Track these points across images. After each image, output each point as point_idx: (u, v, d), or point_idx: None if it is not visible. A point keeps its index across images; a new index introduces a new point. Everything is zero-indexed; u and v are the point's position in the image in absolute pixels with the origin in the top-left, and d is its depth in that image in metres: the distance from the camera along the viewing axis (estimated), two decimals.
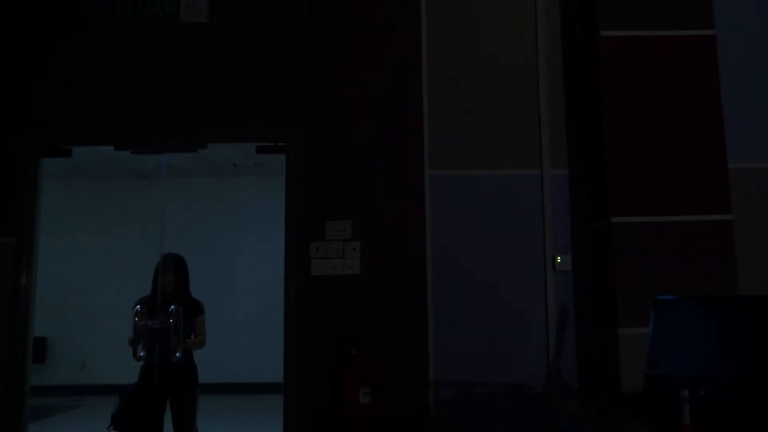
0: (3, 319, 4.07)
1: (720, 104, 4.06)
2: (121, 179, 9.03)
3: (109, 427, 3.84)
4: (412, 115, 4.40)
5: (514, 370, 4.20)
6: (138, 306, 4.05)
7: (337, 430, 4.06)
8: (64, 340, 8.73)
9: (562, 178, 4.40)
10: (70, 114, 4.34)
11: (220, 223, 8.98)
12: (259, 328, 8.51)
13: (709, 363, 2.24)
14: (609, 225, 3.99)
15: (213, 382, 9.25)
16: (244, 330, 8.61)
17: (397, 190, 4.33)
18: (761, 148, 4.36)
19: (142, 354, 3.83)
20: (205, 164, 8.26)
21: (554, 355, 4.22)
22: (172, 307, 3.69)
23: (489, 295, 4.26)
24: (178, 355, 3.73)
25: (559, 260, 4.30)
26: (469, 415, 4.14)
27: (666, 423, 2.25)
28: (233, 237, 8.97)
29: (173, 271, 4.19)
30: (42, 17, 4.42)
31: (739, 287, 3.97)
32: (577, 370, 4.23)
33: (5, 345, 4.05)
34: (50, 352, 8.68)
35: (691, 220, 3.95)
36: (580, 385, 4.21)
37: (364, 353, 4.06)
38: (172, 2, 4.43)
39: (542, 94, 4.46)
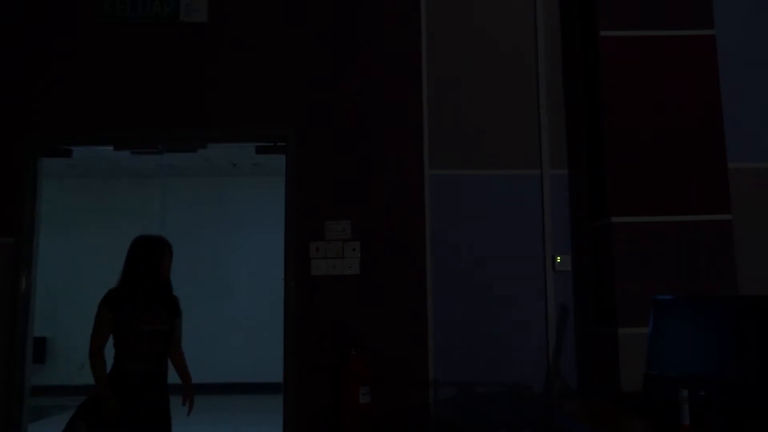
0: (3, 319, 4.07)
1: (719, 104, 4.06)
2: (121, 179, 9.03)
3: None
4: (412, 115, 4.40)
5: (514, 370, 4.20)
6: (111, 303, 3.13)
7: (336, 429, 4.06)
8: (64, 340, 8.73)
9: (562, 178, 4.40)
10: (70, 114, 4.34)
11: (220, 223, 8.98)
12: (259, 328, 8.51)
13: (708, 363, 2.23)
14: (609, 225, 3.99)
15: (213, 382, 9.26)
16: (244, 330, 8.61)
17: (396, 190, 4.33)
18: (761, 148, 4.37)
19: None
20: (205, 164, 8.26)
21: (554, 355, 4.22)
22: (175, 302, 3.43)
23: (489, 295, 4.26)
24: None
25: (559, 260, 4.30)
26: (468, 415, 4.14)
27: (665, 423, 2.25)
28: (233, 237, 8.97)
29: (171, 256, 3.25)
30: (42, 17, 4.42)
31: (739, 287, 3.97)
32: (577, 370, 4.23)
33: (5, 345, 4.05)
34: (50, 352, 8.68)
35: (691, 220, 3.95)
36: (580, 385, 4.21)
37: (364, 353, 4.06)
38: (171, 2, 4.43)
39: (542, 94, 4.46)
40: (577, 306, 4.30)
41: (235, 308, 8.70)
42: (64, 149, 4.47)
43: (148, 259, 3.14)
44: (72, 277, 8.74)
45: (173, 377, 3.25)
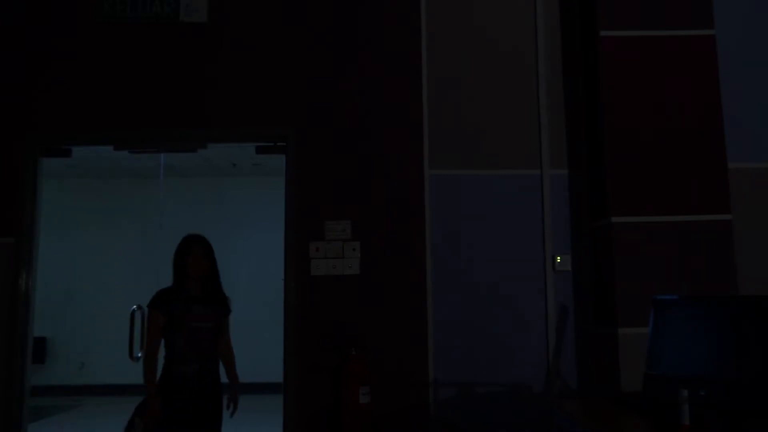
0: (3, 319, 4.07)
1: (719, 104, 4.06)
2: (121, 179, 9.03)
3: None
4: (412, 115, 4.40)
5: (514, 370, 4.19)
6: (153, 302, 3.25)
7: (336, 429, 4.06)
8: (64, 340, 8.73)
9: (562, 178, 4.40)
10: (70, 114, 4.34)
11: (220, 223, 8.96)
12: (259, 328, 8.51)
13: (708, 363, 2.24)
14: (609, 225, 3.99)
15: None
16: (244, 330, 8.58)
17: (396, 190, 4.32)
18: (761, 148, 4.36)
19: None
20: (205, 164, 8.26)
21: (554, 355, 4.22)
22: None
23: (489, 295, 4.26)
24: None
25: (559, 260, 4.30)
26: (468, 415, 4.14)
27: (665, 423, 2.25)
28: (233, 237, 8.96)
29: (205, 254, 3.36)
30: (42, 17, 4.42)
31: (738, 287, 3.97)
32: (577, 370, 4.23)
33: (5, 345, 4.05)
34: (50, 352, 8.67)
35: (691, 220, 3.95)
36: (580, 385, 4.21)
37: (363, 353, 4.05)
38: (171, 2, 4.43)
39: (542, 94, 4.46)
40: (577, 306, 4.29)
41: (235, 308, 8.68)
42: (64, 149, 4.47)
43: (176, 257, 3.33)
44: (72, 277, 8.74)
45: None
